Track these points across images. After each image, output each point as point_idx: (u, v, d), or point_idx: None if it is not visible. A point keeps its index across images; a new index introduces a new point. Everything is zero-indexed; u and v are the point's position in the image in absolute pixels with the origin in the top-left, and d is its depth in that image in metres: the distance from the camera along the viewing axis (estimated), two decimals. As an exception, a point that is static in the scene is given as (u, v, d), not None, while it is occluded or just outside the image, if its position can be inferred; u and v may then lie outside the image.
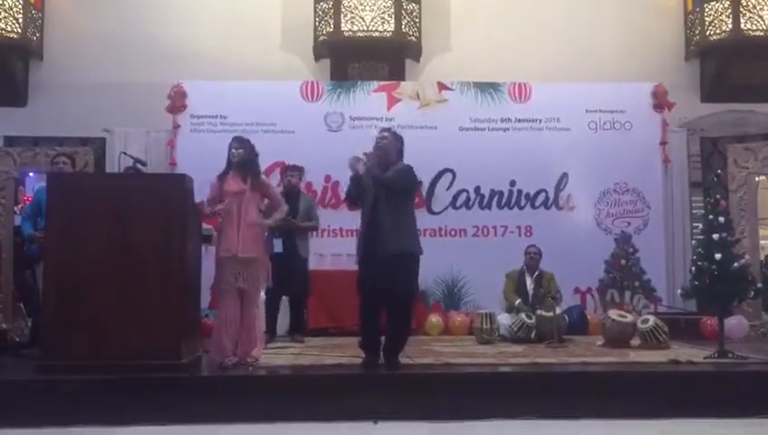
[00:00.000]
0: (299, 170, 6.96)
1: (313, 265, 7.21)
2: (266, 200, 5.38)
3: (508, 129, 8.31)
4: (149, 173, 6.13)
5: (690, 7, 9.68)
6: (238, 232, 4.97)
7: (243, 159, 5.10)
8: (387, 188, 4.91)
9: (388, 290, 4.84)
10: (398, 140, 5.13)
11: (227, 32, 9.29)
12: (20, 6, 9.04)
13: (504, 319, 6.84)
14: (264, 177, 5.40)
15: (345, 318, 6.79)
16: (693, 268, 5.53)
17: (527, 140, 8.25)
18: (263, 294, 6.57)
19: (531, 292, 7.12)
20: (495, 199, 8.20)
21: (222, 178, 5.14)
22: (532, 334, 6.58)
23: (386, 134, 5.13)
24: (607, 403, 4.47)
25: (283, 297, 6.77)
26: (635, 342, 6.17)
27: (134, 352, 4.55)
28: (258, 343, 5.10)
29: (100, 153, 8.13)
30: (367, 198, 5.02)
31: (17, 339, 6.18)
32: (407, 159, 5.16)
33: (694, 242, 7.37)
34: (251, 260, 5.00)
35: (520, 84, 8.40)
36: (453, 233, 8.16)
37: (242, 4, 9.46)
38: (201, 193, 5.55)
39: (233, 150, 5.12)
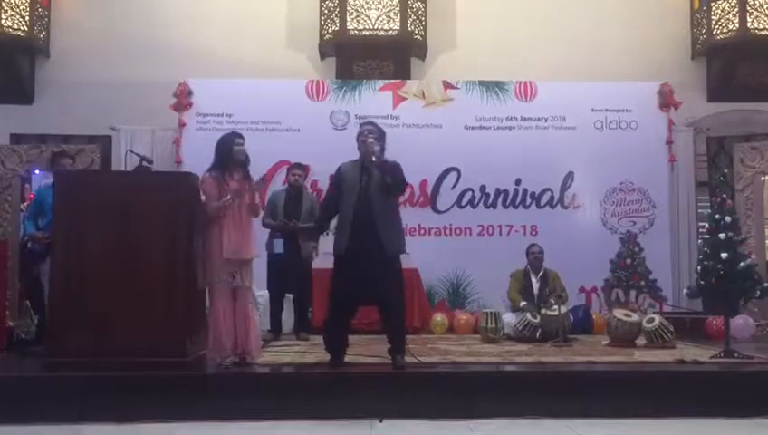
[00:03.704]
0: (303, 169, 6.98)
1: (318, 263, 7.19)
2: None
3: (513, 127, 8.31)
4: (156, 171, 6.14)
5: (697, 6, 9.65)
6: (241, 233, 4.91)
7: (247, 157, 5.06)
8: (391, 185, 4.82)
9: (381, 297, 4.81)
10: (383, 135, 4.98)
11: (233, 30, 9.30)
12: (27, 4, 9.07)
13: (509, 318, 6.83)
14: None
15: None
16: (699, 268, 5.51)
17: (533, 139, 8.24)
18: (264, 291, 6.63)
19: (536, 291, 7.11)
20: (501, 198, 8.20)
21: (220, 175, 4.95)
22: (537, 334, 6.57)
23: (372, 127, 4.98)
24: (612, 403, 4.47)
25: (288, 296, 6.78)
26: (640, 341, 6.15)
27: (140, 349, 4.57)
28: (256, 341, 5.03)
29: (106, 151, 8.16)
30: (350, 193, 4.87)
31: (24, 336, 6.20)
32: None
33: (700, 241, 7.39)
34: (249, 260, 4.98)
35: (526, 83, 8.39)
36: (458, 232, 8.16)
37: (247, 3, 9.47)
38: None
39: (239, 146, 5.00)
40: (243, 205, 4.98)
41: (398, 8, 9.20)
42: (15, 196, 7.14)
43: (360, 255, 4.76)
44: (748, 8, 9.14)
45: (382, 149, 4.94)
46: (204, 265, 4.96)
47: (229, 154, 5.00)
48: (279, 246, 6.53)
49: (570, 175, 8.24)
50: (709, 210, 5.94)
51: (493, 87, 8.39)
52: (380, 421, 4.27)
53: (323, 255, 7.49)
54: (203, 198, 5.01)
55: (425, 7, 9.45)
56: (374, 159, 4.85)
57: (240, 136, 5.15)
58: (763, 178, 7.85)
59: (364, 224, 4.78)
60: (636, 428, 4.27)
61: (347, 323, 5.02)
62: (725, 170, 7.66)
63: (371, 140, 4.86)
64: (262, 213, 5.59)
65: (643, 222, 8.19)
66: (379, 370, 4.85)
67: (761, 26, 9.16)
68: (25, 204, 7.35)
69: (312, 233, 5.27)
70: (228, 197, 4.86)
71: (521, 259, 7.32)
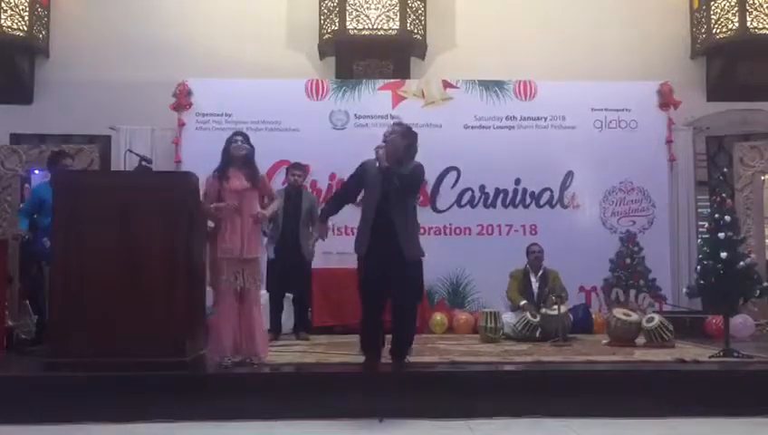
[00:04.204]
0: (303, 169, 6.99)
1: (319, 263, 7.22)
2: (266, 198, 5.26)
3: (513, 127, 8.30)
4: (155, 171, 6.14)
5: (696, 5, 9.64)
6: (242, 232, 4.92)
7: (248, 154, 5.05)
8: (403, 188, 4.77)
9: (396, 295, 4.78)
10: (408, 136, 4.91)
11: (233, 30, 9.29)
12: (26, 4, 9.06)
13: (508, 317, 6.84)
14: (262, 173, 5.29)
15: (350, 316, 6.77)
16: (698, 267, 5.52)
17: (532, 139, 8.24)
18: (264, 292, 6.63)
19: (536, 291, 7.12)
20: (500, 198, 8.20)
21: (222, 175, 5.00)
22: (537, 333, 6.58)
23: (396, 128, 4.96)
24: (611, 402, 4.47)
25: (287, 296, 6.79)
26: (640, 340, 6.16)
27: (139, 349, 4.57)
28: (263, 342, 5.05)
29: (105, 151, 8.16)
30: (372, 193, 4.86)
31: (23, 336, 6.21)
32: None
33: (699, 241, 7.38)
34: (253, 259, 4.98)
35: (525, 82, 8.39)
36: (458, 231, 8.16)
37: (247, 3, 9.46)
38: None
39: (239, 144, 5.02)
40: (244, 205, 4.97)
41: (397, 8, 9.19)
42: (15, 196, 7.16)
43: (381, 257, 4.72)
44: (748, 8, 9.13)
45: (409, 147, 4.89)
46: (211, 264, 5.00)
47: (228, 152, 5.03)
48: (271, 252, 6.54)
49: (569, 174, 8.24)
50: (709, 210, 5.95)
51: (492, 86, 8.39)
52: (380, 421, 4.27)
53: (323, 254, 7.55)
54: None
55: (424, 7, 9.43)
56: (377, 164, 4.83)
57: (239, 134, 5.16)
58: (762, 178, 7.87)
59: (384, 226, 4.75)
60: (635, 427, 4.28)
61: (380, 320, 4.90)
62: (725, 170, 7.69)
63: (380, 145, 4.85)
64: (278, 200, 5.49)
65: (643, 222, 8.19)
66: (380, 370, 4.84)
67: (760, 26, 9.15)
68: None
69: (321, 217, 5.21)
70: (222, 204, 4.92)
71: (520, 259, 7.33)
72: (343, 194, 5.18)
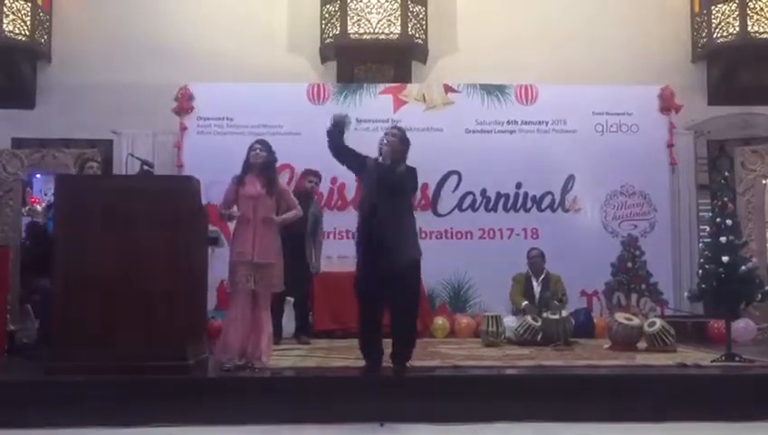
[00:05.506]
0: (318, 176, 7.00)
1: (321, 267, 7.21)
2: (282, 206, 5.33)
3: (514, 131, 8.30)
4: (157, 175, 6.15)
5: (697, 9, 9.66)
6: (254, 237, 4.95)
7: (265, 162, 5.10)
8: (393, 189, 4.79)
9: (393, 299, 4.79)
10: (405, 142, 5.01)
11: (234, 34, 9.31)
12: (28, 9, 9.09)
13: (510, 321, 6.83)
14: (282, 182, 5.36)
15: (351, 320, 6.76)
16: (700, 271, 5.51)
17: (533, 143, 8.24)
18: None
19: (537, 295, 7.11)
20: (501, 202, 8.19)
21: (239, 181, 5.09)
22: (539, 337, 6.57)
23: (396, 132, 5.02)
24: (613, 406, 4.46)
25: (288, 299, 6.79)
26: (641, 345, 6.15)
27: (140, 353, 4.57)
28: (266, 346, 5.05)
29: (107, 155, 8.17)
30: (367, 191, 4.95)
31: (25, 340, 6.21)
32: (413, 161, 5.11)
33: (701, 245, 7.38)
34: (266, 264, 5.00)
35: (526, 86, 8.39)
36: (459, 235, 8.15)
37: (249, 7, 9.49)
38: (207, 195, 5.55)
39: (256, 151, 5.08)
40: (258, 210, 5.00)
41: (398, 12, 9.21)
42: (17, 200, 7.16)
43: (373, 258, 4.76)
44: (748, 12, 9.15)
45: (404, 152, 4.96)
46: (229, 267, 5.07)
47: (248, 160, 5.12)
48: None
49: (570, 178, 8.23)
50: (710, 213, 5.94)
51: (493, 90, 8.39)
52: (381, 425, 4.27)
53: (326, 259, 7.54)
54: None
55: (425, 11, 9.45)
56: (379, 159, 4.86)
57: (259, 142, 5.21)
58: (764, 182, 7.85)
59: (375, 227, 4.77)
60: (637, 431, 4.28)
61: (378, 322, 4.91)
62: (726, 174, 7.67)
63: (384, 141, 4.91)
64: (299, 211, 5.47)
65: (644, 225, 8.18)
66: (381, 374, 4.84)
67: (761, 30, 9.16)
68: (26, 208, 7.38)
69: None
70: (224, 211, 5.06)
71: (522, 263, 7.33)
72: (353, 153, 5.02)
